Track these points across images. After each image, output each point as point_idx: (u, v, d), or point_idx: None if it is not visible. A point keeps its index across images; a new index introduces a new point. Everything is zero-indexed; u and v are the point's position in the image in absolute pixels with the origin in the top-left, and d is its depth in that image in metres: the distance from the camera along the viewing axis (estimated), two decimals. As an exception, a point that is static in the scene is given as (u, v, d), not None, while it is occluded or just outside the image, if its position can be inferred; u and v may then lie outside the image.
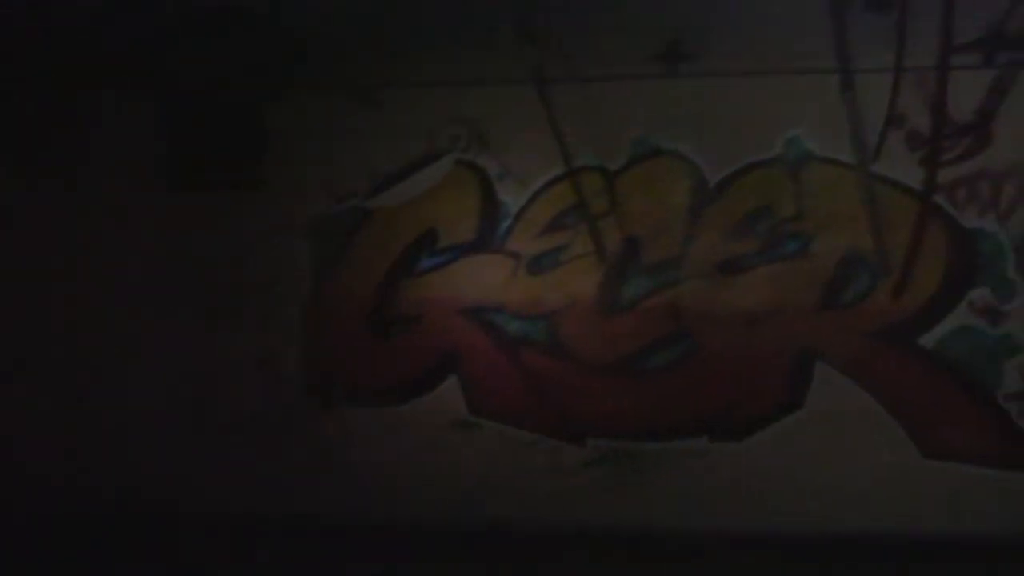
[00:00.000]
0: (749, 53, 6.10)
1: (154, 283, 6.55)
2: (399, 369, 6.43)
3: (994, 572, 5.70)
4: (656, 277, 6.26)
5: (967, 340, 6.13)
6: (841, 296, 6.18)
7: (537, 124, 6.27)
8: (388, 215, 6.48)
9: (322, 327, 6.48)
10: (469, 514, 6.24)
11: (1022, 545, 5.89)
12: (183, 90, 6.38)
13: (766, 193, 6.22)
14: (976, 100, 6.07)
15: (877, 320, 6.16)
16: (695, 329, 6.23)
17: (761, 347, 6.19)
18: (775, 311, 6.18)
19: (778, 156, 6.20)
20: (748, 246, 6.23)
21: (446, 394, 6.39)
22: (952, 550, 5.84)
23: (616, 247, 6.28)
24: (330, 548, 6.00)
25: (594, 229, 6.25)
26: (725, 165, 6.25)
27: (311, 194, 6.48)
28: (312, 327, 6.49)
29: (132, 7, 5.99)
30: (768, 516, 6.08)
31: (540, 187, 6.37)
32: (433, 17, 6.10)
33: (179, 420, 6.49)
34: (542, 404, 6.31)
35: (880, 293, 6.16)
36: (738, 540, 5.97)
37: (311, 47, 6.19)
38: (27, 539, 6.04)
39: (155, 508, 6.33)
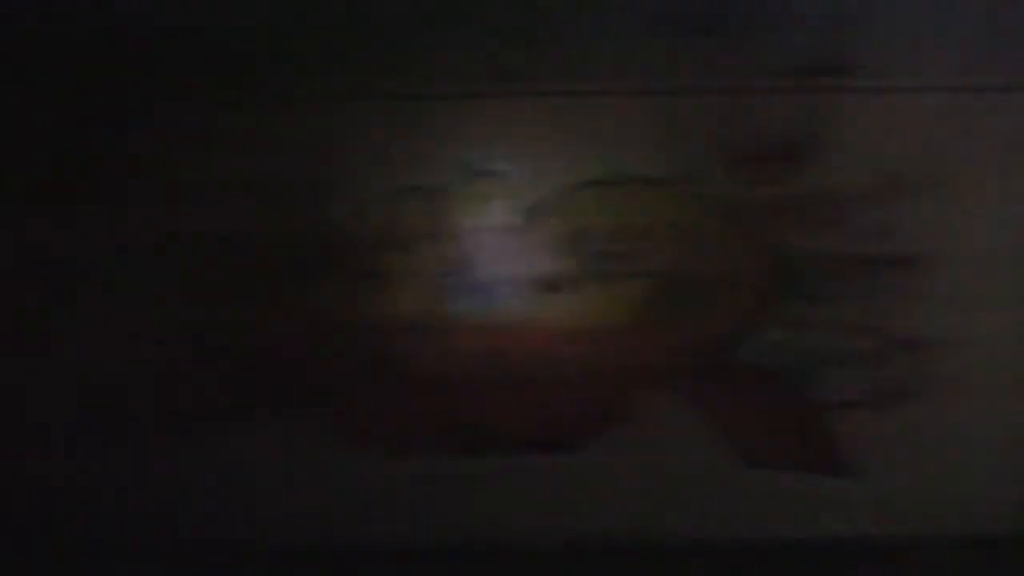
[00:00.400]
0: (574, 73, 6.11)
1: None
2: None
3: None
4: (479, 296, 6.28)
5: (782, 352, 6.32)
6: (661, 312, 6.31)
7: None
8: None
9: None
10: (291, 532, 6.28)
11: (834, 548, 6.11)
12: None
13: (588, 212, 6.30)
14: (793, 123, 6.19)
15: (696, 335, 6.32)
16: (519, 347, 6.28)
17: (583, 363, 6.32)
18: (598, 328, 6.30)
19: (597, 176, 6.27)
20: (571, 265, 6.30)
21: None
22: (771, 555, 6.15)
23: (442, 266, 6.29)
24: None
25: (416, 249, 6.25)
26: (549, 185, 6.29)
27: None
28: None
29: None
30: (594, 529, 6.27)
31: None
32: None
33: None
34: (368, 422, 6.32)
35: (698, 309, 6.30)
36: (567, 553, 6.19)
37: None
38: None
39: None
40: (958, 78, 6.12)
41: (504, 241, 6.35)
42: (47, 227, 6.24)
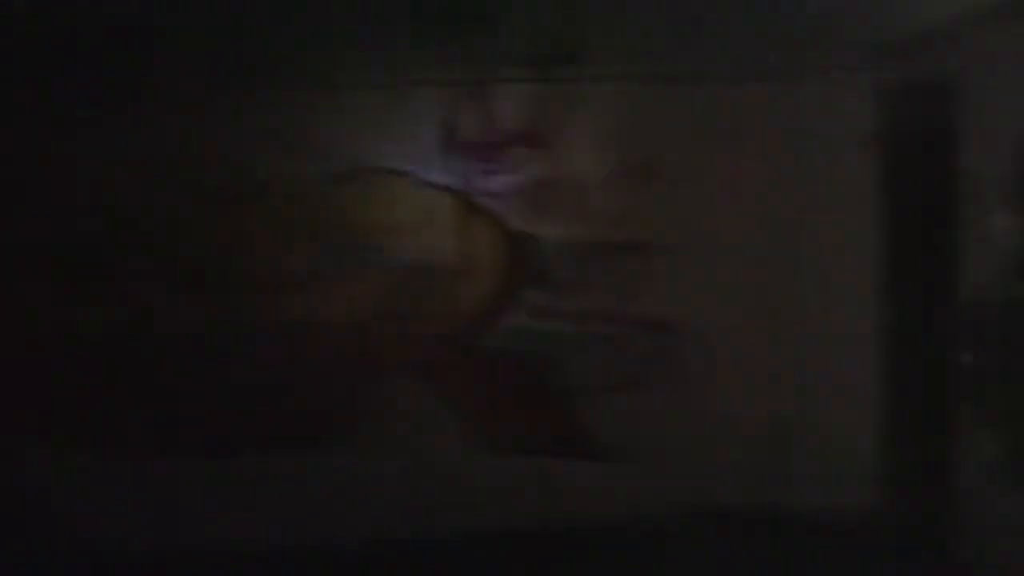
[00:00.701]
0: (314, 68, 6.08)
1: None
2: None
3: (545, 562, 5.98)
4: (223, 293, 6.23)
5: (525, 339, 6.40)
6: (403, 304, 6.34)
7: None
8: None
9: None
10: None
11: (579, 530, 6.20)
12: None
13: (333, 204, 6.29)
14: (530, 112, 6.27)
15: (439, 325, 6.38)
16: (265, 343, 6.25)
17: (327, 361, 6.31)
18: (341, 323, 6.29)
19: (342, 169, 6.27)
20: (317, 258, 6.28)
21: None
22: (524, 538, 6.15)
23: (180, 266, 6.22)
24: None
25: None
26: (294, 178, 6.27)
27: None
28: None
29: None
30: (343, 527, 6.16)
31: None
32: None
33: None
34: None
35: (440, 299, 6.35)
36: (317, 549, 6.06)
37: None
38: None
39: None
40: (690, 68, 6.22)
41: (242, 239, 6.28)
42: None
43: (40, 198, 6.14)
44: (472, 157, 6.31)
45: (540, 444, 6.48)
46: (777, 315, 6.34)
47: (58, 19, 5.72)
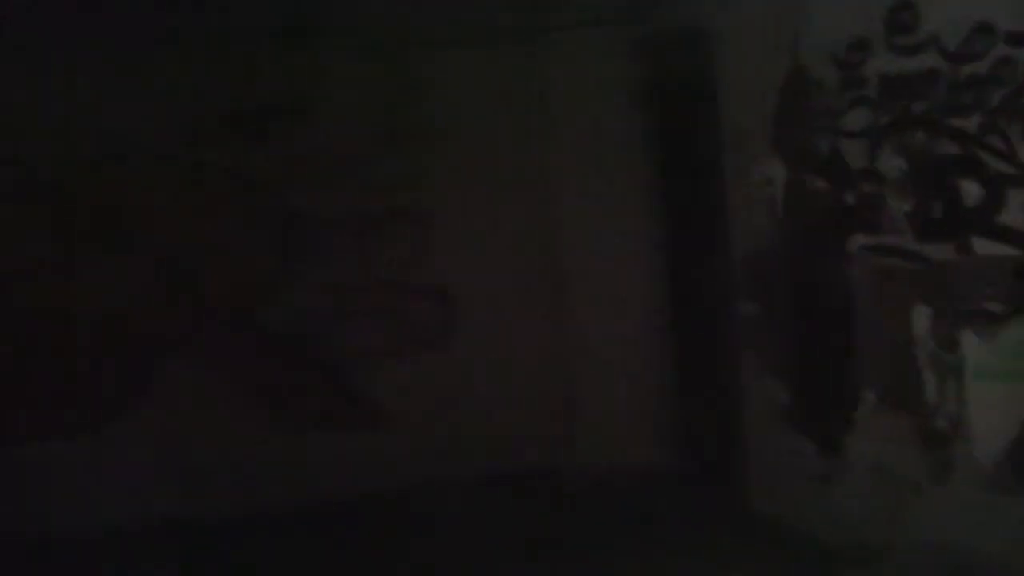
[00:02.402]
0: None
1: None
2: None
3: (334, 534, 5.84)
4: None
5: (306, 312, 6.28)
6: (178, 287, 6.14)
7: None
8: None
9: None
10: None
11: (364, 500, 6.06)
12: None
13: (103, 190, 5.99)
14: (283, 83, 6.08)
15: (217, 304, 6.21)
16: (33, 332, 5.97)
17: (101, 346, 6.06)
18: (113, 310, 6.02)
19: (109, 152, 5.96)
20: (89, 247, 6.01)
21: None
22: (318, 513, 5.97)
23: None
24: None
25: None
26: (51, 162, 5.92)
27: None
28: None
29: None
30: (125, 510, 5.87)
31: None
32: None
33: None
34: None
35: (216, 279, 6.18)
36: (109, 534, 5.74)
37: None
38: None
39: None
40: (452, 32, 6.09)
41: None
42: None
43: None
44: (231, 130, 6.09)
45: (324, 416, 6.36)
46: (547, 276, 6.32)
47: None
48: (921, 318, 4.17)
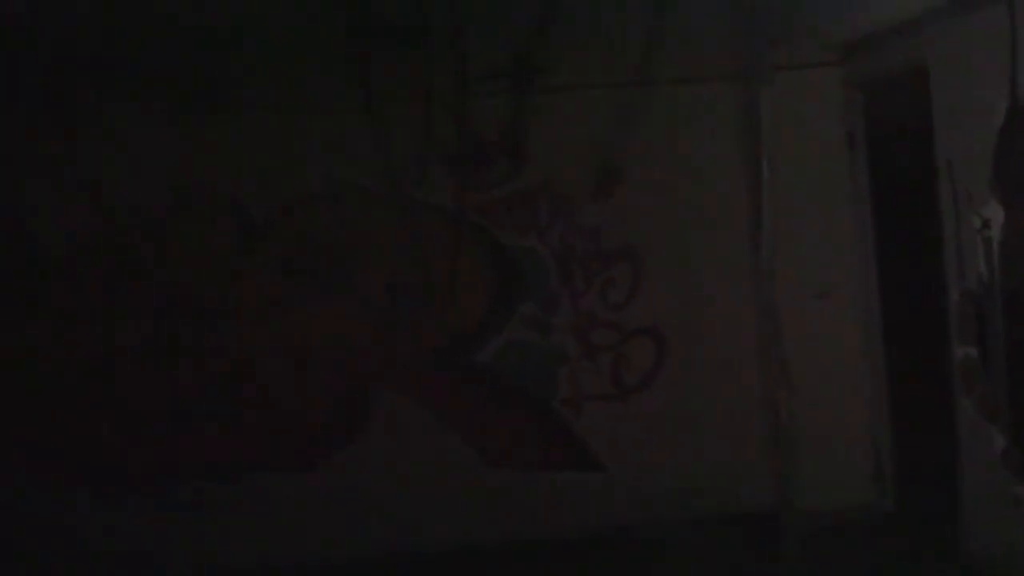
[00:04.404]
0: (277, 92, 6.03)
1: None
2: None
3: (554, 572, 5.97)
4: (203, 321, 6.20)
5: (519, 352, 6.39)
6: (392, 324, 6.31)
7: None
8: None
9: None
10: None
11: (580, 540, 6.17)
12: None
13: (309, 229, 6.27)
14: (504, 125, 6.27)
15: (430, 342, 6.35)
16: (250, 370, 6.24)
17: (317, 382, 6.29)
18: (328, 345, 6.26)
19: (319, 190, 6.25)
20: (296, 283, 6.25)
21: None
22: (521, 552, 6.10)
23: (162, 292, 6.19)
24: None
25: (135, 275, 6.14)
26: (268, 202, 6.24)
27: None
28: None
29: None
30: (341, 544, 6.16)
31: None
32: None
33: None
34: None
35: (430, 317, 6.32)
36: (322, 570, 6.08)
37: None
38: None
39: None
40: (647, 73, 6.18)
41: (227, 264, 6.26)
42: None
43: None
44: (454, 172, 6.31)
45: (539, 457, 6.52)
46: (761, 315, 6.29)
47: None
48: None
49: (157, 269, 6.22)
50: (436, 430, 6.34)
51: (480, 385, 6.42)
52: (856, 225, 6.36)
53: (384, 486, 6.23)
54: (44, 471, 6.12)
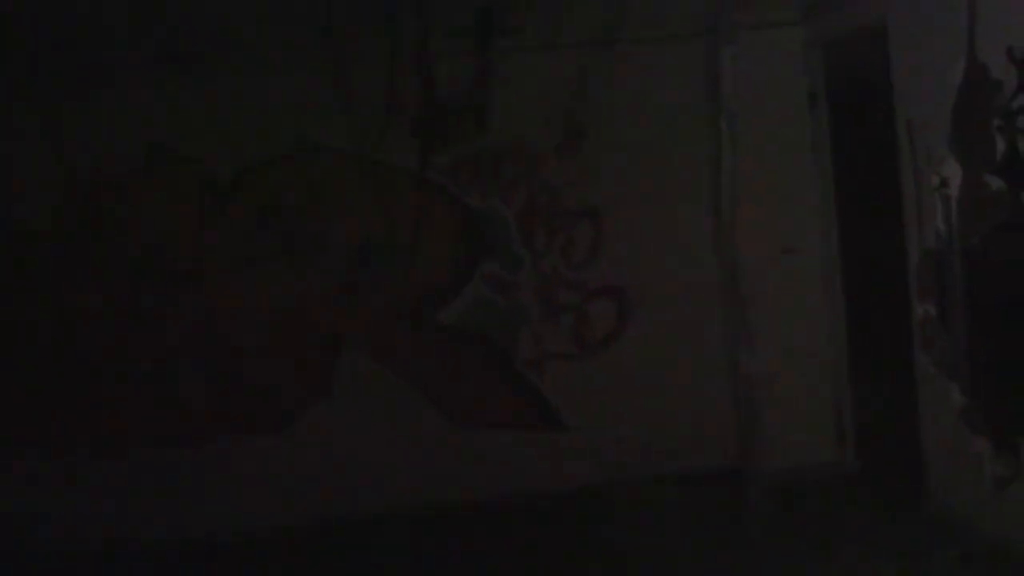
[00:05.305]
0: (243, 54, 5.97)
1: None
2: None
3: (521, 531, 6.03)
4: (169, 283, 6.17)
5: (483, 312, 6.40)
6: (359, 283, 6.31)
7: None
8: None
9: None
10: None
11: (546, 500, 6.21)
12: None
13: (278, 189, 6.26)
14: (469, 84, 6.21)
15: (396, 302, 6.36)
16: (215, 332, 6.23)
17: (282, 343, 6.29)
18: (294, 307, 6.26)
19: (285, 151, 6.23)
20: (262, 244, 6.24)
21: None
22: (486, 512, 6.14)
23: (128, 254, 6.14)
24: None
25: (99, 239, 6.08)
26: (234, 163, 6.21)
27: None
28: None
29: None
30: (308, 507, 6.16)
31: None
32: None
33: None
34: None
35: (395, 276, 6.33)
36: (290, 533, 6.06)
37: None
38: None
39: None
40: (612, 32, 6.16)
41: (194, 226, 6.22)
42: None
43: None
44: (418, 132, 6.24)
45: (503, 416, 6.55)
46: (722, 275, 6.37)
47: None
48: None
49: (123, 231, 6.16)
50: (401, 390, 6.35)
51: (444, 345, 6.43)
52: (818, 184, 6.35)
53: (350, 447, 6.23)
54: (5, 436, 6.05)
